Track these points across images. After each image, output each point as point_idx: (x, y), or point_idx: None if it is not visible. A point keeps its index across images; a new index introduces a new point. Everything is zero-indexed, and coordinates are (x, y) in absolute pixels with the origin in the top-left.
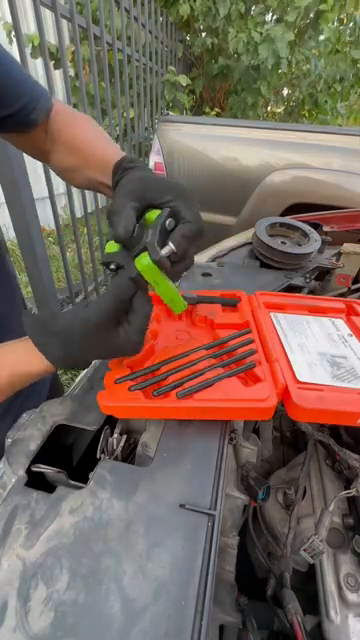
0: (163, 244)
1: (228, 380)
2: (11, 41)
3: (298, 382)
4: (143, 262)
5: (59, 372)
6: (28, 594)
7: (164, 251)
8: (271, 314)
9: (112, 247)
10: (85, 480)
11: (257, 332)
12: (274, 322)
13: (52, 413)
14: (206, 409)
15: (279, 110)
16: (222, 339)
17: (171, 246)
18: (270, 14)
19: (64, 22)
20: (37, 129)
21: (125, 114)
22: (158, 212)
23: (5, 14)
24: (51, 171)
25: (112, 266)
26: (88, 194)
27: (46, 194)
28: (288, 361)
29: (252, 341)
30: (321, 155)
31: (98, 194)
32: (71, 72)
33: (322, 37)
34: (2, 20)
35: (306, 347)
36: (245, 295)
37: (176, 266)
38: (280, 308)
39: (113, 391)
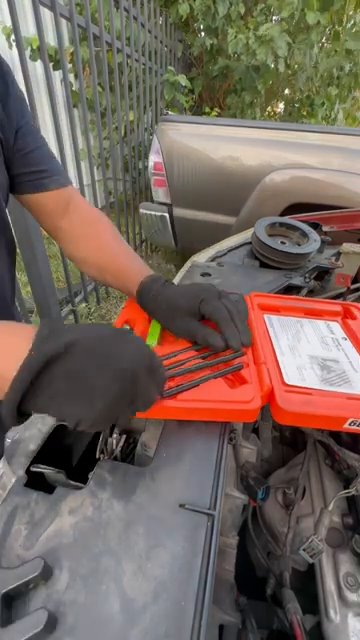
0: None
1: (214, 381)
2: (10, 45)
3: (285, 385)
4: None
5: None
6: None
7: None
8: (265, 316)
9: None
10: (84, 480)
11: None
12: (267, 324)
13: None
14: (190, 409)
15: (279, 110)
16: None
17: None
18: (272, 15)
19: (63, 22)
20: (48, 197)
21: (125, 117)
22: None
23: (4, 16)
24: None
25: None
26: (87, 195)
27: None
28: (277, 363)
29: None
30: (321, 155)
31: (97, 195)
32: (70, 76)
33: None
34: (2, 24)
35: (297, 350)
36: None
37: None
38: (275, 310)
39: None
